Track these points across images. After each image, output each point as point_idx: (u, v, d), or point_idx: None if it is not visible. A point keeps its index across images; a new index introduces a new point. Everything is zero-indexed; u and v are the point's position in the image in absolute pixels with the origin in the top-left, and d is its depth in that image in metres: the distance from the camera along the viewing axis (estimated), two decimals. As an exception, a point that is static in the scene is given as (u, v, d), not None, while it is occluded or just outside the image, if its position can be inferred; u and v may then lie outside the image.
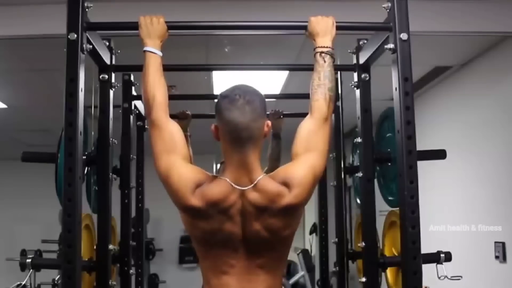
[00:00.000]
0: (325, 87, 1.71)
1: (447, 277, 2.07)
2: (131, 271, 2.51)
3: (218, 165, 3.67)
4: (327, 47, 1.75)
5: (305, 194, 1.60)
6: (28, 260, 1.87)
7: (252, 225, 1.59)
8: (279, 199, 1.57)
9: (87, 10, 1.75)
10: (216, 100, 1.64)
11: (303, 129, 1.70)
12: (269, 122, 1.65)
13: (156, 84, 1.68)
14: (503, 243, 3.31)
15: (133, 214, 2.74)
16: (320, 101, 1.70)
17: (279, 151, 3.05)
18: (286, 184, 1.58)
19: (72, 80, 1.67)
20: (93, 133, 2.18)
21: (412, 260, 1.67)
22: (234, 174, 1.59)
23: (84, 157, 1.84)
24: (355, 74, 2.28)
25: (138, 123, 2.92)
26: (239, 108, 1.56)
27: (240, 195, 1.58)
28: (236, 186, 1.57)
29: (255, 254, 1.62)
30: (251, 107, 1.57)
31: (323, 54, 1.74)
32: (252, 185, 1.58)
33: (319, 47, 1.75)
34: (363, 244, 2.19)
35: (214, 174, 1.67)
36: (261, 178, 1.59)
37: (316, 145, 1.66)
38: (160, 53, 1.72)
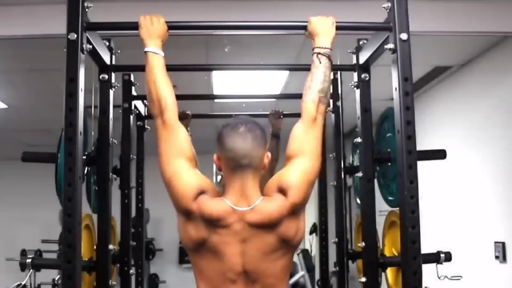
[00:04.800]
0: (315, 88, 1.71)
1: (447, 277, 2.07)
2: (131, 271, 2.51)
3: (219, 177, 3.63)
4: (325, 47, 1.75)
5: (302, 196, 1.61)
6: (28, 260, 1.87)
7: (252, 251, 1.57)
8: (278, 213, 1.58)
9: (87, 10, 1.75)
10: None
11: (293, 133, 1.71)
12: (269, 154, 1.67)
13: (164, 84, 1.67)
14: (503, 243, 3.31)
15: (133, 214, 2.74)
16: (308, 103, 1.71)
17: (278, 151, 3.05)
18: (282, 190, 1.60)
19: (72, 80, 1.67)
20: (93, 133, 2.18)
21: (412, 260, 1.67)
22: (234, 198, 1.60)
23: (84, 157, 1.84)
24: (355, 74, 2.28)
25: (138, 123, 2.92)
26: (240, 135, 1.59)
27: (239, 218, 1.58)
28: (235, 208, 1.58)
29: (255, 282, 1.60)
30: (252, 135, 1.60)
31: (319, 55, 1.74)
32: (251, 207, 1.58)
33: (317, 47, 1.76)
34: (363, 244, 2.19)
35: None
36: (259, 201, 1.60)
37: (307, 148, 1.67)
38: (162, 53, 1.72)
